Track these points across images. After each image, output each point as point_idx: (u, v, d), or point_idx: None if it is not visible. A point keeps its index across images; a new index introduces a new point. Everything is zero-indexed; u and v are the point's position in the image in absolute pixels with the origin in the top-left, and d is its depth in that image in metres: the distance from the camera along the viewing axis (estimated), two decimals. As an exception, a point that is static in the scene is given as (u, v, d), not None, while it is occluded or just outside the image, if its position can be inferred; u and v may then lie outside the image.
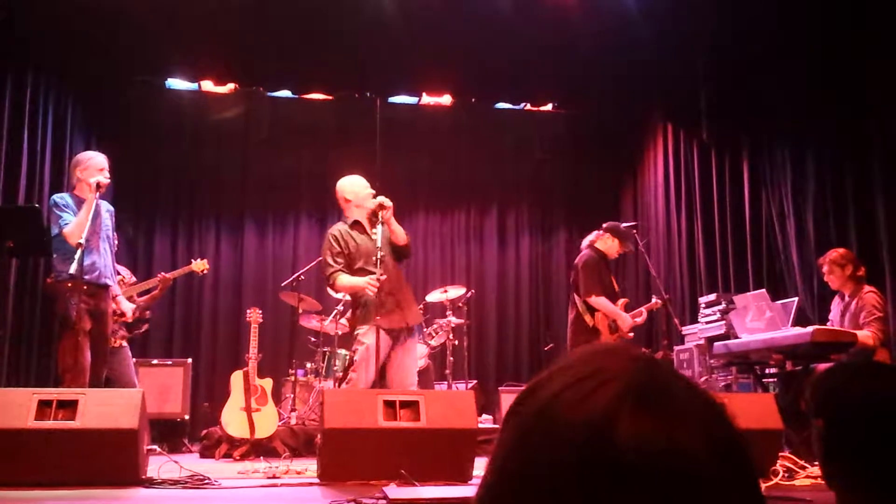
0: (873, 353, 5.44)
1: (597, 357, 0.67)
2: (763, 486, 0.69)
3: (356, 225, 5.56)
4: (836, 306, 5.95)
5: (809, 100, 7.08)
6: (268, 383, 7.00)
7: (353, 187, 5.68)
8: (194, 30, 7.79)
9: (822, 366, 5.34)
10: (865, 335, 5.54)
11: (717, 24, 7.78)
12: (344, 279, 5.47)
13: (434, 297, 8.00)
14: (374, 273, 5.23)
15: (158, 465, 4.67)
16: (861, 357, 5.20)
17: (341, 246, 5.50)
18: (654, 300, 6.78)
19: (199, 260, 7.22)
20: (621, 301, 6.50)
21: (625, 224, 6.91)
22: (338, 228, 5.59)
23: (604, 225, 6.73)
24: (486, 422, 7.61)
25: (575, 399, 0.62)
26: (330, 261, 5.48)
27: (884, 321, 5.60)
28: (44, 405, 4.26)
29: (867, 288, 5.73)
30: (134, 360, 6.94)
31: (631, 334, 6.50)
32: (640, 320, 6.51)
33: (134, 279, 7.07)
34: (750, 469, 0.63)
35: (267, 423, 6.72)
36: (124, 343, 6.52)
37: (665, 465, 0.58)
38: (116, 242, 6.19)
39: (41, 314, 7.28)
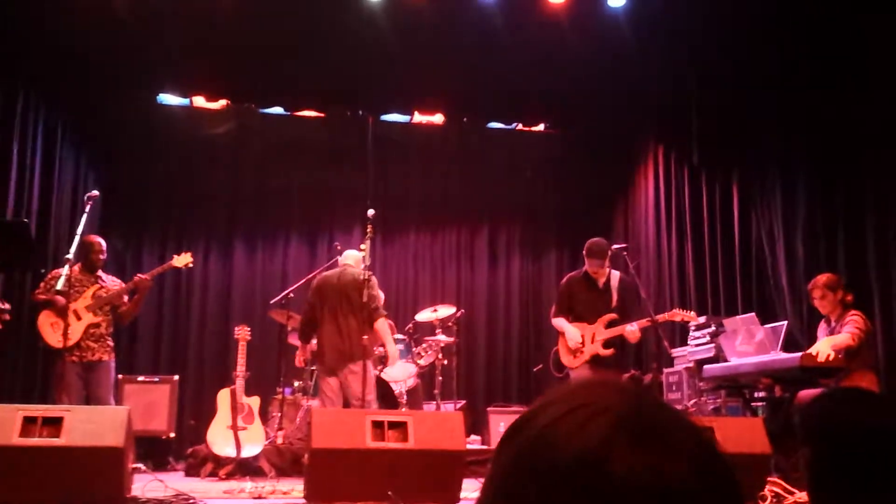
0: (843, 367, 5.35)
1: (586, 389, 0.68)
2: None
3: None
4: (821, 331, 5.89)
5: (799, 124, 7.12)
6: (255, 401, 6.95)
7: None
8: (186, 45, 7.80)
9: (805, 392, 5.33)
10: (845, 338, 5.46)
11: (709, 49, 7.84)
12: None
13: (424, 315, 7.99)
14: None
15: (143, 483, 4.64)
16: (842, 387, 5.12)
17: None
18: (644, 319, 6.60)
19: (181, 255, 6.59)
20: (605, 317, 6.24)
21: (616, 245, 6.89)
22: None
23: None
24: (474, 443, 7.58)
25: (568, 430, 0.63)
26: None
27: (861, 340, 5.52)
28: (29, 422, 4.21)
29: (852, 311, 5.71)
30: (120, 376, 6.87)
31: (608, 350, 6.15)
32: (628, 335, 6.11)
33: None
34: (737, 498, 0.65)
35: (253, 441, 6.68)
36: (104, 357, 6.01)
37: (657, 498, 0.60)
38: None
39: (26, 329, 7.21)
